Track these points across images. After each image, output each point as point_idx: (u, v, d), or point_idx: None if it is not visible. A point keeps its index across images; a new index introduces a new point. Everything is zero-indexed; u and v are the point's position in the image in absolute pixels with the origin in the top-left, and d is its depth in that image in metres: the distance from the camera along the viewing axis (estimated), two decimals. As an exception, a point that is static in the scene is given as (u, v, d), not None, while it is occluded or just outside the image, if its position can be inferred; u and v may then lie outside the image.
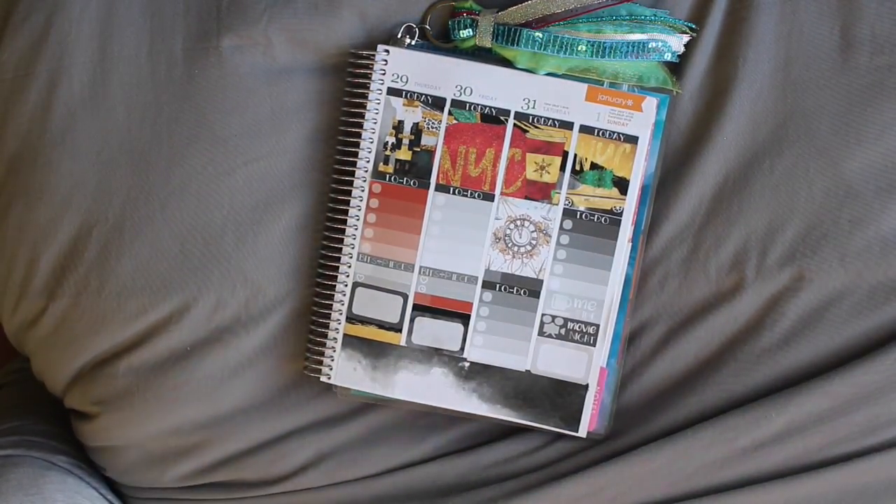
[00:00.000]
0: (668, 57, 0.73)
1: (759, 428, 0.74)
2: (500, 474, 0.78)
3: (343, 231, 0.75)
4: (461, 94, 0.74)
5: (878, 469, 0.73)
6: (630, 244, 0.74)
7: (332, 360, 0.76)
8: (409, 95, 0.74)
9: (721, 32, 0.74)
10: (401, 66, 0.74)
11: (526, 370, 0.75)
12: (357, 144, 0.75)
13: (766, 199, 0.74)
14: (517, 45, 0.73)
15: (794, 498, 0.74)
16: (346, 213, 0.75)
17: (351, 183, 0.75)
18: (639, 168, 0.73)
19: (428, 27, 0.75)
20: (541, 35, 0.72)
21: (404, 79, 0.74)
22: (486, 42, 0.74)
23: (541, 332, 0.75)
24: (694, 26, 0.74)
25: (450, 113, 0.74)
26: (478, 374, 0.75)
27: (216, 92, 0.75)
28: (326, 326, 0.76)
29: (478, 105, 0.74)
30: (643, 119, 0.73)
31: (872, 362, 0.72)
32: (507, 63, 0.74)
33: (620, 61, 0.73)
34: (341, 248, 0.75)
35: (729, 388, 0.75)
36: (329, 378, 0.76)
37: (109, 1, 0.75)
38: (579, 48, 0.72)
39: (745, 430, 0.74)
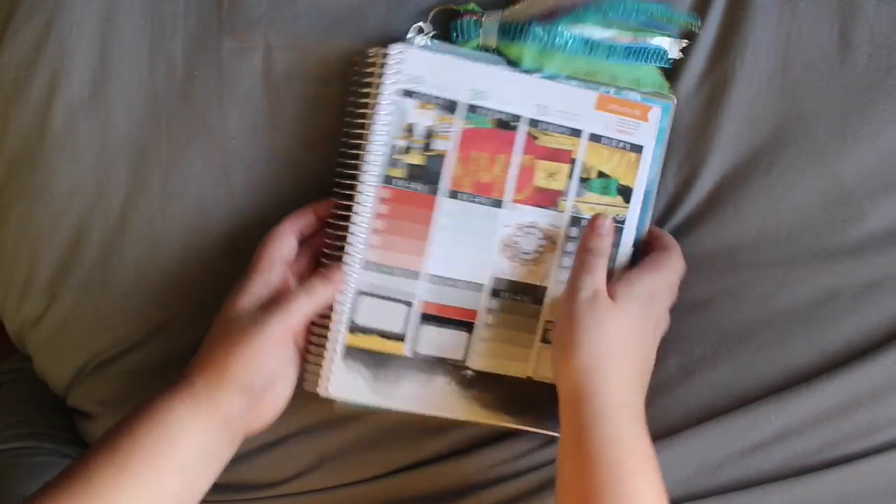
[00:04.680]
0: (662, 62, 0.73)
1: (758, 429, 0.74)
2: (502, 475, 0.78)
3: (345, 238, 0.72)
4: (475, 97, 0.72)
5: (878, 470, 0.73)
6: (633, 248, 0.74)
7: (332, 373, 0.73)
8: (423, 98, 0.72)
9: (719, 33, 0.75)
10: (416, 66, 0.71)
11: (527, 377, 0.75)
12: (365, 147, 0.72)
13: (762, 198, 0.74)
14: (522, 38, 0.72)
15: (794, 499, 0.74)
16: (349, 219, 0.72)
17: (356, 188, 0.72)
18: (643, 177, 0.73)
19: (428, 30, 0.75)
20: (541, 30, 0.72)
21: (419, 80, 0.72)
22: (492, 41, 0.73)
23: (543, 340, 0.75)
24: (698, 21, 0.73)
25: (464, 117, 0.72)
26: (479, 382, 0.75)
27: (215, 94, 0.75)
28: (325, 336, 0.73)
29: (491, 110, 0.72)
30: (648, 128, 0.73)
31: (871, 363, 0.73)
32: (514, 64, 0.73)
33: (618, 63, 0.73)
34: (344, 256, 0.72)
35: (728, 389, 0.75)
36: (327, 391, 0.74)
37: (110, 2, 0.75)
38: (575, 46, 0.72)
39: (744, 431, 0.74)
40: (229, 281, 0.76)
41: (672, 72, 0.75)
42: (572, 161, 0.73)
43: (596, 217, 0.72)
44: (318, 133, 0.76)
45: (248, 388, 0.68)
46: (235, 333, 0.68)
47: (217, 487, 0.80)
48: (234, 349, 0.67)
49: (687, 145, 0.75)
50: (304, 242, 0.74)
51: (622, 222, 0.74)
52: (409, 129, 0.72)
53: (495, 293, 0.74)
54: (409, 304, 0.74)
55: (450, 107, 0.72)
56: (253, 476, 0.80)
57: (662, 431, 0.76)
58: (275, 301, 0.69)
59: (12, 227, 0.77)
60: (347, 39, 0.75)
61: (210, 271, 0.77)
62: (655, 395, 0.76)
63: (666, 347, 0.75)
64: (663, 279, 0.71)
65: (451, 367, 0.74)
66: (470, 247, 0.73)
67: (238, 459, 0.79)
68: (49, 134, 0.75)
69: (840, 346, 0.74)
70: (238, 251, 0.77)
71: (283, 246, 0.72)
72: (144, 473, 0.64)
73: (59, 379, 0.82)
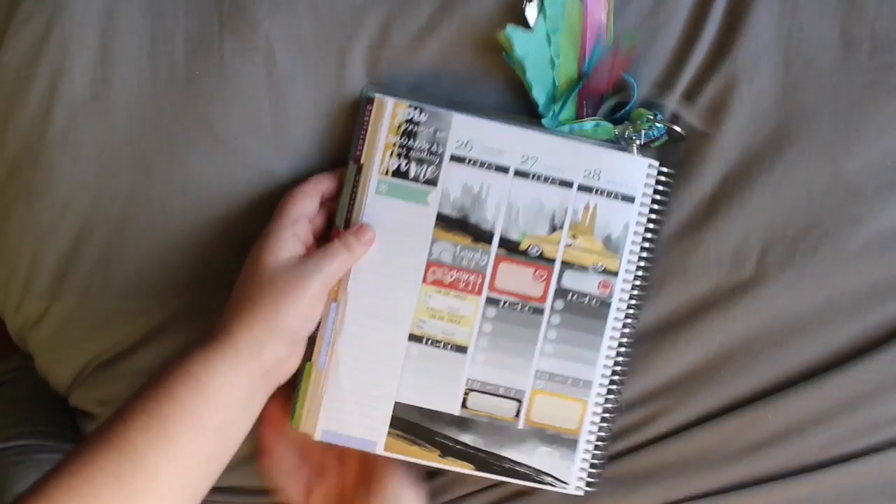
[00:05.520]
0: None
1: (757, 429, 0.74)
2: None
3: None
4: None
5: (877, 469, 0.73)
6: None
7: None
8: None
9: (721, 31, 0.74)
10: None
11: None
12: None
13: (766, 197, 0.74)
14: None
15: (793, 498, 0.73)
16: None
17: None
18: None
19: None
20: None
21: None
22: None
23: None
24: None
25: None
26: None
27: (217, 94, 0.75)
28: None
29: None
30: None
31: (870, 362, 0.72)
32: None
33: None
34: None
35: (728, 388, 0.75)
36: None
37: (111, 2, 0.75)
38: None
39: (743, 431, 0.74)
40: (232, 280, 0.76)
41: (673, 70, 0.75)
42: None
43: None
44: (320, 133, 0.76)
45: (293, 339, 0.70)
46: (283, 284, 0.69)
47: (215, 490, 0.81)
48: (284, 301, 0.68)
49: (688, 144, 0.75)
50: (321, 205, 0.75)
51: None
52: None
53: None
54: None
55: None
56: (250, 481, 0.80)
57: (661, 433, 0.76)
58: (318, 253, 0.71)
59: (12, 227, 0.77)
60: (349, 40, 0.75)
61: (212, 271, 0.77)
62: (654, 395, 0.76)
63: (667, 348, 0.75)
64: None
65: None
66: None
67: (235, 463, 0.79)
68: (49, 134, 0.75)
69: (841, 346, 0.74)
70: (241, 251, 0.77)
71: (308, 204, 0.73)
72: (186, 437, 0.65)
73: (61, 379, 0.82)
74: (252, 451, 0.78)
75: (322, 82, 0.76)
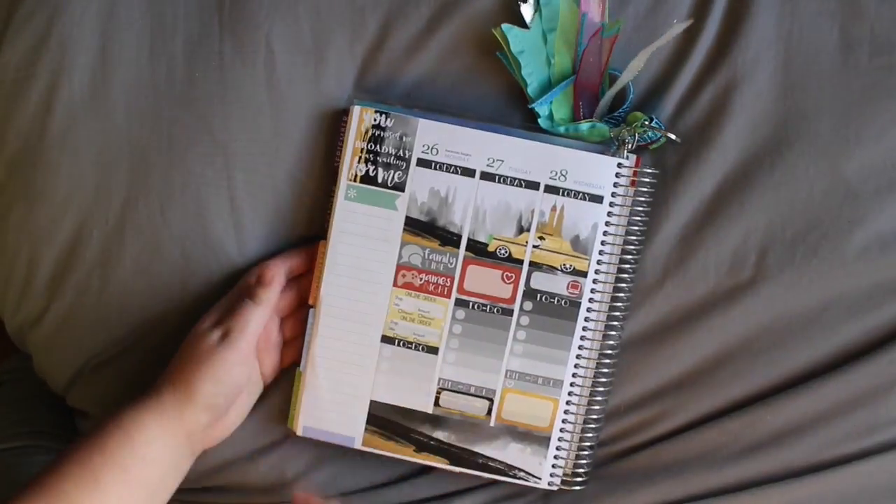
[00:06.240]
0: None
1: (756, 430, 0.73)
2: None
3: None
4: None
5: (878, 471, 0.73)
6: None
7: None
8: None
9: (721, 32, 0.75)
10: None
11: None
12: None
13: (766, 198, 0.73)
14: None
15: (794, 500, 0.73)
16: None
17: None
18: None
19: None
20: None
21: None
22: None
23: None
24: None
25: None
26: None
27: (216, 96, 0.75)
28: None
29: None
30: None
31: (870, 363, 0.72)
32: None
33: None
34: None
35: (727, 390, 0.75)
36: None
37: (110, 2, 0.75)
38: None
39: (743, 432, 0.74)
40: (230, 281, 0.76)
41: (672, 71, 0.75)
42: None
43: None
44: (321, 136, 0.76)
45: (213, 406, 0.72)
46: (202, 352, 0.72)
47: (217, 489, 0.81)
48: (201, 368, 0.71)
49: (688, 145, 0.75)
50: (292, 281, 0.77)
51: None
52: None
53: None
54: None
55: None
56: (252, 479, 0.80)
57: (659, 434, 0.76)
58: (227, 320, 0.73)
59: (12, 226, 0.77)
60: (348, 42, 0.75)
61: (210, 271, 0.77)
62: (653, 395, 0.76)
63: (667, 350, 0.75)
64: None
65: None
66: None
67: (237, 462, 0.79)
68: (49, 134, 0.75)
69: (840, 347, 0.74)
70: (239, 252, 0.77)
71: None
72: (115, 488, 0.68)
73: (59, 378, 0.81)
74: (250, 449, 0.78)
75: (321, 84, 0.76)
